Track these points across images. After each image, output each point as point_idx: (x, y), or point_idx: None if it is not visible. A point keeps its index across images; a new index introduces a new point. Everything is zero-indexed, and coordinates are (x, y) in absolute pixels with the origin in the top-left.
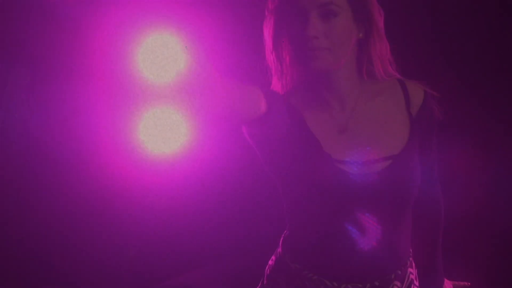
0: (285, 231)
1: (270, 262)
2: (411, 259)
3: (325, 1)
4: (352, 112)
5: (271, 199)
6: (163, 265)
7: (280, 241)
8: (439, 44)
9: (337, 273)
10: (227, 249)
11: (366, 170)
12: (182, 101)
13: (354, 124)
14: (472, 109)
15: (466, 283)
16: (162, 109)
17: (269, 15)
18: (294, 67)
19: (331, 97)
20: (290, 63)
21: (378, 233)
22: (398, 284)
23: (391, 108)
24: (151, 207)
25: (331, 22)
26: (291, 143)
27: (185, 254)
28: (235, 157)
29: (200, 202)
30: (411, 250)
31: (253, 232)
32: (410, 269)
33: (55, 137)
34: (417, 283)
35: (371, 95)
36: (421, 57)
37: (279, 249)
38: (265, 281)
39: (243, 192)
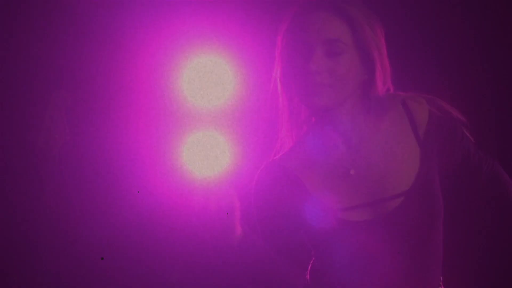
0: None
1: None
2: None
3: (332, 38)
4: (357, 148)
5: None
6: None
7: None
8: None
9: None
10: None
11: (374, 213)
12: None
13: (360, 162)
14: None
15: None
16: (207, 132)
17: (277, 54)
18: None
19: (335, 135)
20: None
21: (400, 275)
22: None
23: (396, 135)
24: (193, 232)
25: (336, 60)
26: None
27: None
28: None
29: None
30: (441, 278)
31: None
32: None
33: (97, 159)
34: None
35: (374, 124)
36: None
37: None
38: None
39: None
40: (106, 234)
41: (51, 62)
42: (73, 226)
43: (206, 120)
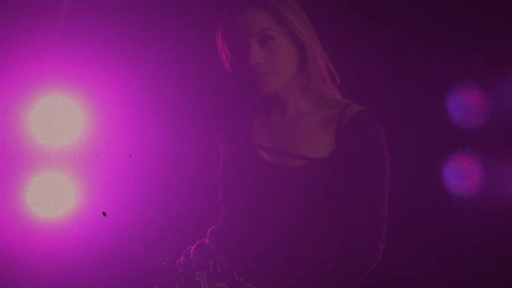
0: (212, 226)
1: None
2: None
3: (260, 28)
4: (289, 120)
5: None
6: None
7: (207, 233)
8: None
9: (246, 270)
10: None
11: (282, 163)
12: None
13: (285, 128)
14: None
15: None
16: (51, 173)
17: (220, 48)
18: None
19: (276, 105)
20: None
21: (288, 233)
22: None
23: (323, 123)
24: (39, 272)
25: (269, 48)
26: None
27: None
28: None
29: (90, 268)
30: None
31: None
32: None
33: None
34: None
35: (309, 111)
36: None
37: (206, 240)
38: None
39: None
40: None
41: None
42: None
43: (52, 161)
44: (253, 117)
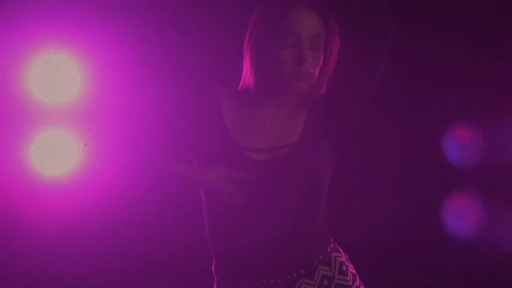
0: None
1: None
2: (332, 245)
3: (315, 33)
4: (275, 115)
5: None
6: None
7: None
8: None
9: (261, 270)
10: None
11: (269, 157)
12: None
13: (271, 122)
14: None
15: None
16: (53, 131)
17: (257, 28)
18: (273, 80)
19: (271, 105)
20: (272, 76)
21: (288, 222)
22: (326, 268)
23: (301, 111)
24: (43, 231)
25: (317, 53)
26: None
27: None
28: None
29: (94, 226)
30: (331, 237)
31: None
32: (334, 253)
33: None
34: (351, 265)
35: (296, 106)
36: None
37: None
38: None
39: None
40: None
41: None
42: None
43: (53, 118)
44: (235, 108)
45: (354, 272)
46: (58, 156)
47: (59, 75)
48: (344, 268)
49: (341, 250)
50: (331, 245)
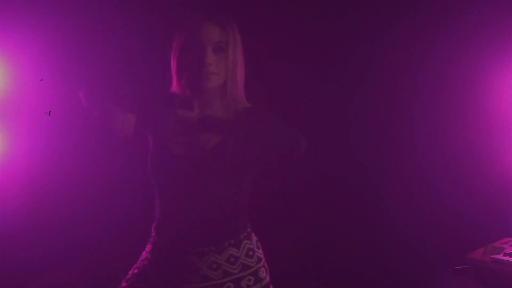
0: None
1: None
2: (247, 233)
3: (217, 40)
4: (202, 111)
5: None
6: None
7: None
8: None
9: (178, 236)
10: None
11: (195, 149)
12: None
13: (195, 121)
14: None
15: None
16: None
17: (176, 46)
18: (189, 81)
19: (197, 104)
20: (187, 78)
21: (206, 202)
22: (235, 250)
23: (228, 118)
24: None
25: (219, 55)
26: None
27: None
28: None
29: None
30: (249, 227)
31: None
32: (246, 241)
33: None
34: (259, 251)
35: (223, 109)
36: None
37: (152, 233)
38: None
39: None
40: None
41: None
42: None
43: None
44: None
45: (261, 256)
46: None
47: None
48: (251, 253)
49: (253, 241)
50: (246, 233)
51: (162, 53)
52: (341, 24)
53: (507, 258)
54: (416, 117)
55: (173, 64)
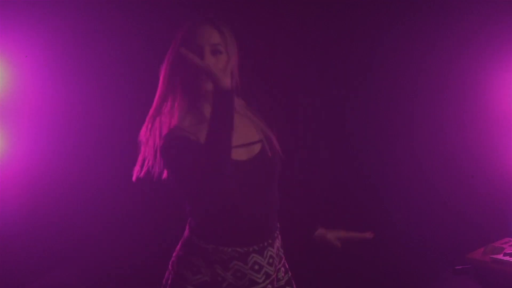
0: (189, 219)
1: (178, 253)
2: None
3: (214, 41)
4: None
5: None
6: None
7: (187, 227)
8: None
9: (242, 239)
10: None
11: (248, 155)
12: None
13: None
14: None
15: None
16: None
17: (171, 55)
18: (185, 91)
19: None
20: (181, 88)
21: (262, 200)
22: (278, 242)
23: (251, 118)
24: None
25: (217, 57)
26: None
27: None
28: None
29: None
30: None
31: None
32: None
33: None
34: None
35: (241, 111)
36: None
37: (186, 234)
38: (176, 269)
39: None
40: None
41: None
42: None
43: None
44: (192, 126)
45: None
46: None
47: None
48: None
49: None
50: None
51: (162, 53)
52: (341, 24)
53: (507, 258)
54: (416, 117)
55: (166, 67)
